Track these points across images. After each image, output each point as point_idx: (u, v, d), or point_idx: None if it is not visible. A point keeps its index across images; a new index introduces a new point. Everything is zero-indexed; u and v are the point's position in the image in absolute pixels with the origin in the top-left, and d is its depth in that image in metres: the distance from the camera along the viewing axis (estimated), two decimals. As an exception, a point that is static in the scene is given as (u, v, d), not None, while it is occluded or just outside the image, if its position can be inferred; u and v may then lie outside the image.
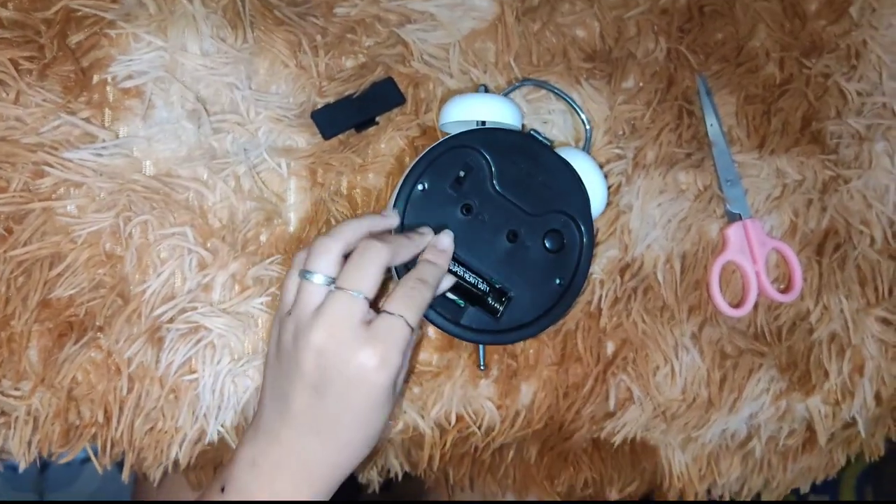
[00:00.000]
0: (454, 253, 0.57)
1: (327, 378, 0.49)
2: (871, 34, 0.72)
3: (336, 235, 0.52)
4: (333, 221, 0.62)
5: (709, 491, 0.74)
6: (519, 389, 0.65)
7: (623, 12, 0.68)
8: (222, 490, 0.50)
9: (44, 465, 1.15)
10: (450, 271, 0.57)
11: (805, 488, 0.78)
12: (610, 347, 0.67)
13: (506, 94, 0.64)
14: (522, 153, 0.59)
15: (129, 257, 0.59)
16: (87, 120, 0.59)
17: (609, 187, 0.66)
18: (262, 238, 0.62)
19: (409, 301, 0.51)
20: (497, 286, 0.59)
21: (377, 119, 0.63)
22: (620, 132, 0.68)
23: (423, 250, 0.56)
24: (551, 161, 0.60)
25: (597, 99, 0.67)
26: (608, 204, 0.66)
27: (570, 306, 0.61)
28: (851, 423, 0.73)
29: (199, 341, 0.60)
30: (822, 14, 0.72)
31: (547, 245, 0.60)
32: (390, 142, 0.64)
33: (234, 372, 0.60)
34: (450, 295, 0.58)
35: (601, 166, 0.65)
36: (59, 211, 0.59)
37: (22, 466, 0.59)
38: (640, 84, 0.68)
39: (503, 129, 0.60)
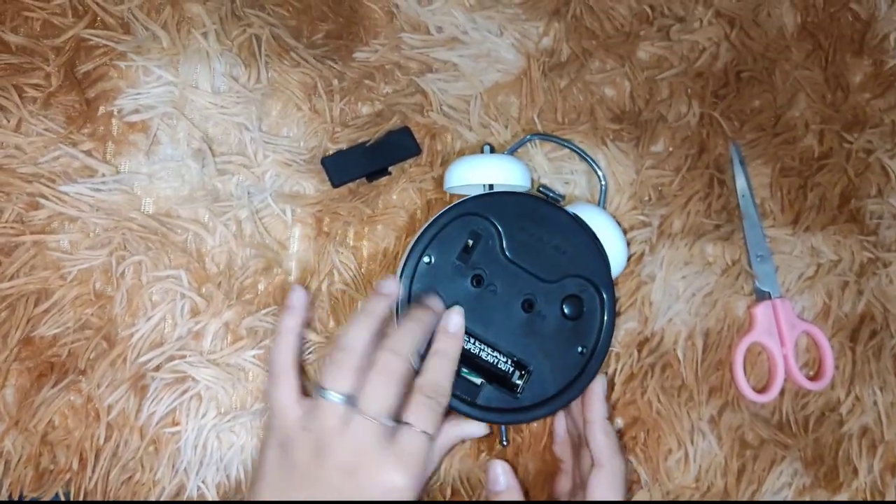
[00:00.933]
0: (468, 328, 0.54)
1: (356, 496, 0.48)
2: (918, 111, 0.69)
3: (348, 348, 0.50)
4: (336, 274, 0.59)
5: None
6: (518, 464, 0.61)
7: (656, 73, 0.65)
8: None
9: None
10: (465, 350, 0.54)
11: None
12: (619, 424, 0.63)
13: (511, 151, 0.62)
14: (532, 216, 0.56)
15: (119, 298, 0.57)
16: (87, 153, 0.57)
17: (631, 255, 0.63)
18: (261, 287, 0.59)
19: (428, 412, 0.50)
20: (515, 360, 0.55)
21: (390, 169, 0.61)
22: (646, 198, 0.64)
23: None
24: (564, 222, 0.57)
25: (623, 162, 0.63)
26: (628, 271, 0.62)
27: (595, 376, 0.57)
28: (879, 525, 0.68)
29: (184, 392, 0.57)
30: (867, 87, 0.68)
31: (565, 312, 0.56)
32: (402, 194, 0.61)
33: (220, 427, 0.57)
34: (465, 373, 0.55)
35: (623, 230, 0.62)
36: (51, 245, 0.56)
37: (-12, 511, 0.56)
38: (670, 149, 0.65)
39: (510, 193, 0.57)
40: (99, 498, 0.57)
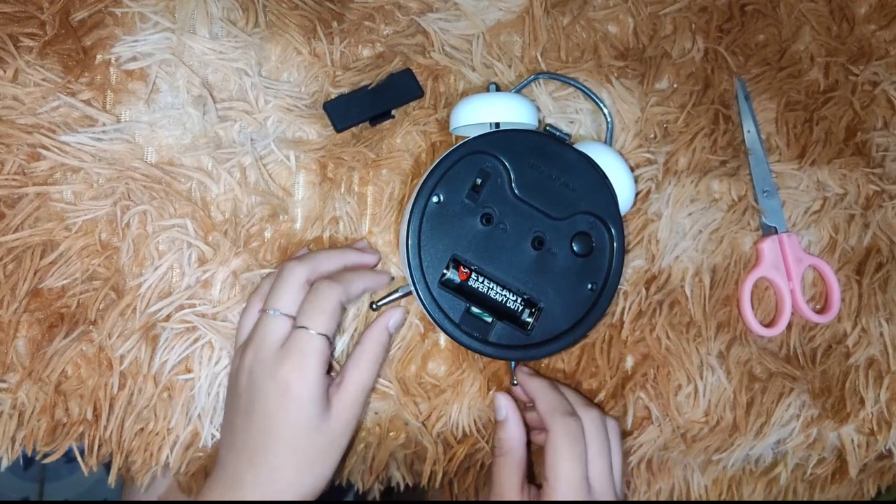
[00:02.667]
0: (478, 267, 0.55)
1: (253, 398, 0.50)
2: (924, 41, 0.68)
3: (305, 264, 0.53)
4: (341, 223, 0.59)
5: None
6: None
7: (659, 9, 0.64)
8: None
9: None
10: (475, 289, 0.54)
11: (831, 519, 0.74)
12: (629, 363, 0.63)
13: (518, 90, 0.61)
14: (541, 154, 0.56)
15: (126, 248, 0.56)
16: (87, 102, 0.56)
17: (637, 193, 0.62)
18: (267, 234, 0.58)
19: (311, 309, 0.51)
20: (525, 297, 0.55)
21: (393, 112, 0.60)
22: (651, 135, 0.64)
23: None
24: (572, 159, 0.56)
25: (627, 99, 0.63)
26: (635, 209, 0.62)
27: (605, 312, 0.57)
28: (886, 455, 0.69)
29: (196, 340, 0.57)
30: (873, 18, 0.68)
31: (575, 249, 0.56)
32: (406, 137, 0.60)
33: (232, 374, 0.57)
34: (476, 311, 0.55)
35: (630, 170, 0.61)
36: (55, 196, 0.56)
37: (4, 464, 0.56)
38: (675, 85, 0.64)
39: (518, 130, 0.56)
40: (114, 448, 0.57)
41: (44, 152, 0.55)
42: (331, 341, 0.51)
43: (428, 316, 0.55)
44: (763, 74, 0.65)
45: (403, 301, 0.59)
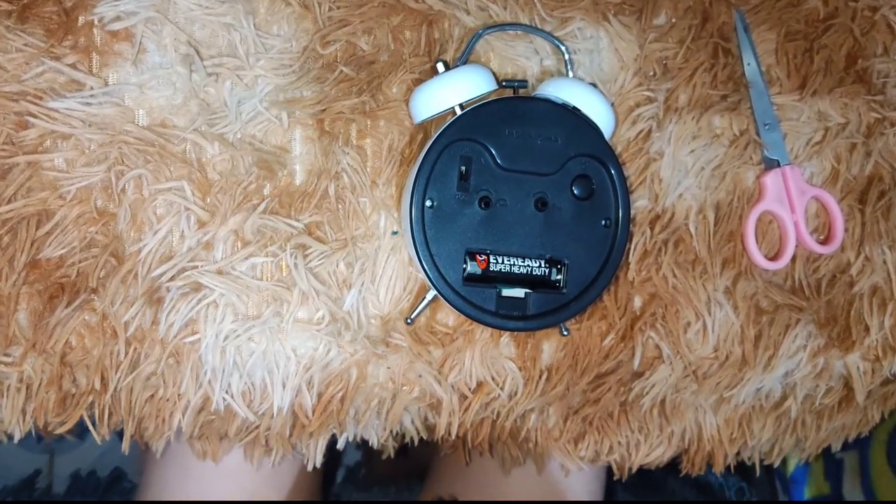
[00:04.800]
0: (493, 249, 0.55)
1: None
2: (924, -37, 0.67)
3: None
4: (345, 176, 0.58)
5: (738, 453, 0.71)
6: (540, 349, 0.62)
7: (654, -59, 0.62)
8: None
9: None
10: (498, 271, 0.55)
11: (837, 447, 0.75)
12: (637, 303, 0.63)
13: (465, 58, 0.59)
14: (511, 118, 0.55)
15: (123, 214, 0.55)
16: (72, 66, 0.54)
17: (639, 133, 0.62)
18: (266, 191, 0.57)
19: None
20: (547, 259, 0.56)
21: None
22: (651, 73, 0.62)
23: None
24: (542, 110, 0.56)
25: (626, 37, 0.61)
26: (637, 148, 0.61)
27: (627, 240, 0.58)
28: (891, 380, 0.69)
29: (200, 301, 0.56)
30: (872, -59, 0.66)
31: (577, 193, 0.56)
32: (401, 86, 0.59)
33: (238, 333, 0.56)
34: (507, 292, 0.55)
35: (630, 109, 0.60)
36: (46, 165, 0.54)
37: (17, 437, 0.56)
38: (673, 20, 0.63)
39: (481, 105, 0.55)
40: (124, 416, 0.57)
41: (32, 120, 0.54)
42: None
43: (465, 315, 0.55)
44: (762, 5, 0.64)
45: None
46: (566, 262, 0.56)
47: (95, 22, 0.55)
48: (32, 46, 0.54)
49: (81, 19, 0.55)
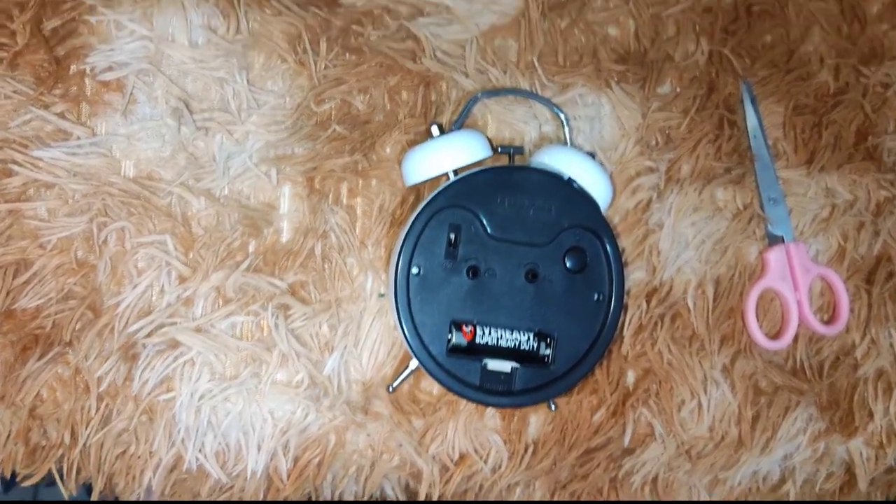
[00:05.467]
0: (481, 320, 0.53)
1: None
2: (938, 40, 0.65)
3: None
4: (333, 236, 0.57)
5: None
6: (526, 422, 0.60)
7: (661, 10, 0.61)
8: None
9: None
10: (484, 344, 0.53)
11: (837, 532, 0.72)
12: (630, 378, 0.61)
13: (461, 122, 0.58)
14: (504, 186, 0.54)
15: (103, 266, 0.54)
16: (61, 115, 0.54)
17: (638, 203, 0.60)
18: (251, 248, 0.56)
19: None
20: (536, 332, 0.54)
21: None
22: (653, 142, 0.61)
23: None
24: (537, 180, 0.54)
25: (628, 105, 0.60)
26: (635, 219, 0.60)
27: (620, 316, 0.55)
28: (895, 468, 0.66)
29: (177, 358, 0.55)
30: (885, 17, 0.65)
31: (570, 267, 0.54)
32: (395, 146, 0.58)
33: (215, 397, 0.55)
34: (493, 365, 0.53)
35: (631, 178, 0.59)
36: (28, 213, 0.54)
37: (-18, 489, 0.55)
38: (678, 90, 0.62)
39: (474, 173, 0.54)
40: (93, 472, 0.55)
41: (15, 168, 0.53)
42: None
43: (447, 389, 0.53)
44: (770, 77, 0.63)
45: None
46: (555, 336, 0.54)
47: (87, 71, 0.55)
48: (21, 94, 0.53)
49: (73, 68, 0.55)
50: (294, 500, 0.55)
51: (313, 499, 0.60)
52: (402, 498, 0.61)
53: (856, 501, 0.65)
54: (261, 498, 0.58)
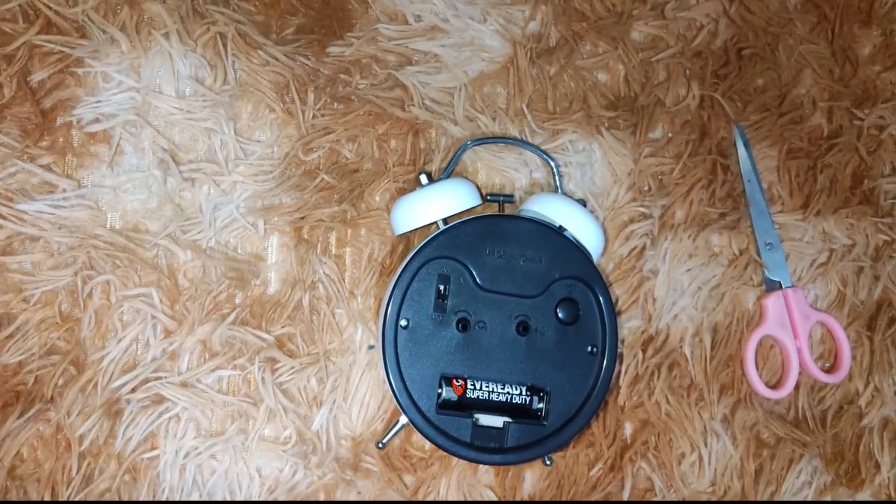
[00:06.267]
0: (471, 374, 0.52)
1: None
2: (931, 82, 0.65)
3: None
4: (321, 287, 0.56)
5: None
6: (521, 477, 0.58)
7: (651, 55, 0.61)
8: None
9: None
10: (475, 398, 0.52)
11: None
12: (628, 430, 0.59)
13: (450, 170, 0.57)
14: (493, 236, 0.53)
15: (87, 320, 0.53)
16: (46, 167, 0.54)
17: (632, 250, 0.59)
18: (238, 300, 0.55)
19: None
20: (529, 386, 0.53)
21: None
22: (646, 188, 0.60)
23: None
24: (527, 229, 0.53)
25: (619, 151, 0.60)
26: (629, 266, 0.59)
27: (614, 368, 0.54)
28: (905, 520, 0.64)
29: (161, 414, 0.53)
30: (877, 59, 0.64)
31: (562, 318, 0.53)
32: (384, 195, 0.57)
33: (201, 455, 0.54)
34: (484, 421, 0.52)
35: (624, 225, 0.58)
36: (12, 267, 0.53)
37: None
38: (669, 135, 0.61)
39: (462, 223, 0.53)
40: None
41: (0, 221, 0.52)
42: None
43: (437, 447, 0.52)
44: (763, 121, 0.62)
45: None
46: (548, 389, 0.53)
47: (74, 123, 0.54)
48: (7, 146, 0.53)
49: (60, 120, 0.54)
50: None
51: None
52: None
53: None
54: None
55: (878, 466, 0.62)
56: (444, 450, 0.51)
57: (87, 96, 0.54)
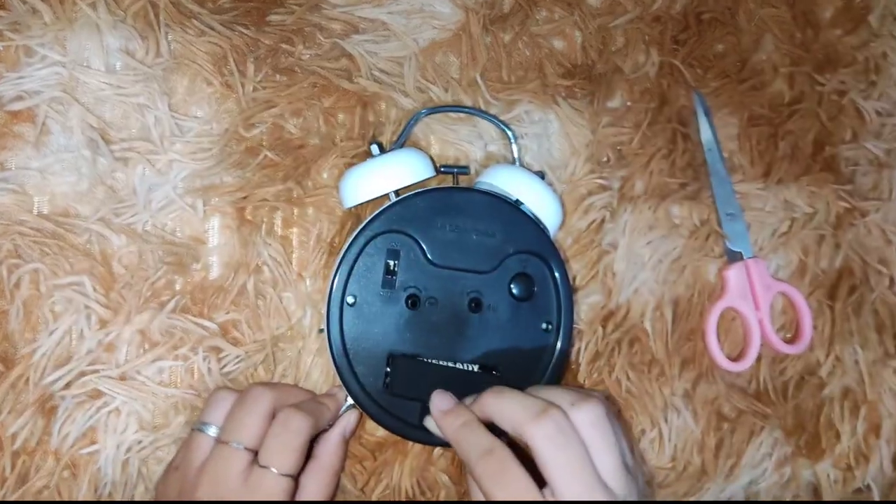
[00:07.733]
0: (420, 354, 0.50)
1: None
2: (892, 45, 0.64)
3: (273, 391, 0.47)
4: (266, 270, 0.53)
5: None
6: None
7: (609, 20, 0.59)
8: None
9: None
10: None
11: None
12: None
13: (402, 141, 0.55)
14: (445, 210, 0.51)
15: (15, 312, 0.50)
16: (-36, 150, 0.50)
17: (591, 223, 0.57)
18: (178, 286, 0.52)
19: (278, 446, 0.45)
20: (480, 366, 0.50)
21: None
22: (604, 159, 0.58)
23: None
24: (480, 202, 0.51)
25: (576, 121, 0.57)
26: (588, 240, 0.57)
27: (569, 345, 0.52)
28: (865, 490, 0.64)
29: (100, 409, 0.51)
30: (838, 23, 0.63)
31: (516, 294, 0.51)
32: (333, 171, 0.55)
33: (143, 445, 0.51)
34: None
35: (582, 198, 0.56)
36: (-69, 258, 0.49)
37: None
38: (628, 103, 0.59)
39: (413, 195, 0.51)
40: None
41: (-85, 209, 0.49)
42: (296, 480, 0.46)
43: (385, 429, 0.50)
44: (723, 87, 0.60)
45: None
46: (501, 368, 0.51)
47: (-6, 101, 0.50)
48: (-80, 129, 0.49)
49: (-22, 99, 0.50)
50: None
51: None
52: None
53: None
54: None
55: (838, 436, 0.61)
56: (393, 432, 0.50)
57: (8, 72, 0.50)
